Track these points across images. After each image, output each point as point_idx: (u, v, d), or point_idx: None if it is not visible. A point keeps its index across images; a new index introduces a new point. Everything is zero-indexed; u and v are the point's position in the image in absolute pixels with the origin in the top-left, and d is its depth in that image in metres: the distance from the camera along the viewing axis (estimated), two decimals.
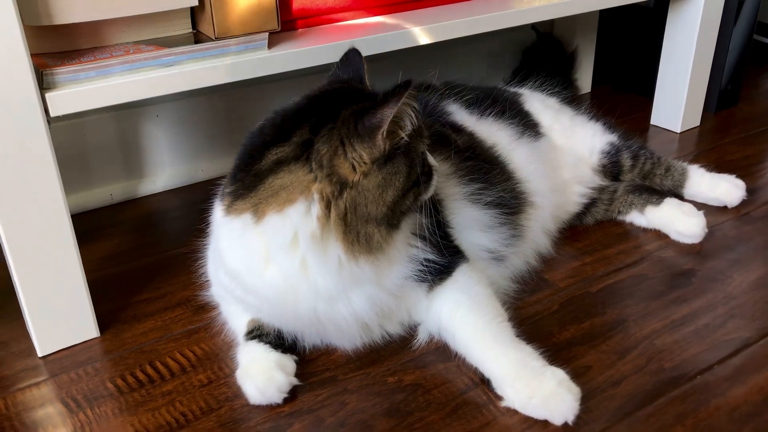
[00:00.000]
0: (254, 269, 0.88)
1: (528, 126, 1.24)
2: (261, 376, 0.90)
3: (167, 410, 0.90)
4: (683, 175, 1.35)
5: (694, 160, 1.41)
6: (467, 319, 0.94)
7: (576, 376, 0.91)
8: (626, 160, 1.32)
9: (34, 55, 0.94)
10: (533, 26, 1.99)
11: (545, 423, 0.85)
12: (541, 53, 1.86)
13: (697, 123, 1.73)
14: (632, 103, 1.87)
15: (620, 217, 1.30)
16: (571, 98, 1.73)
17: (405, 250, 0.93)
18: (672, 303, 1.08)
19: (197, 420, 0.88)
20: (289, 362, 0.93)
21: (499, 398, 0.89)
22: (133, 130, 1.43)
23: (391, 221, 0.88)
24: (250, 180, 0.87)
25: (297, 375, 0.93)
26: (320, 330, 0.94)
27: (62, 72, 0.89)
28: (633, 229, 1.28)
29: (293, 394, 0.91)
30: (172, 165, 1.48)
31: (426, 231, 0.94)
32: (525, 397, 0.86)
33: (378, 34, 1.14)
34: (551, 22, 1.94)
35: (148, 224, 1.38)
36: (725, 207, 1.33)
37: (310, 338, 0.97)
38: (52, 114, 0.89)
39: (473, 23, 1.22)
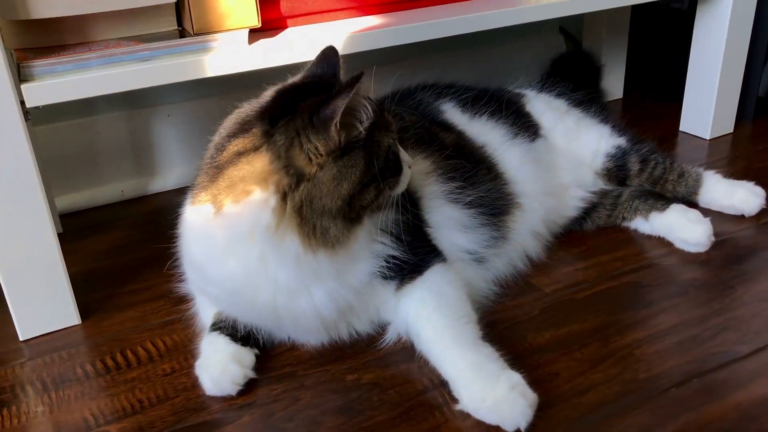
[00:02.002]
0: (214, 260, 0.89)
1: (524, 127, 1.21)
2: (217, 367, 0.90)
3: (126, 396, 0.91)
4: (697, 181, 1.27)
5: (719, 167, 1.33)
6: (431, 319, 0.92)
7: (541, 382, 0.87)
8: (634, 164, 1.26)
9: (19, 50, 0.98)
10: (561, 28, 1.94)
11: (498, 429, 0.82)
12: (569, 66, 1.81)
13: (730, 130, 1.63)
14: (663, 109, 1.79)
15: (624, 224, 1.24)
16: (599, 107, 1.68)
17: (369, 246, 0.92)
18: (662, 312, 1.01)
19: (152, 407, 0.89)
20: (247, 355, 0.92)
21: (456, 401, 0.85)
22: (144, 129, 1.48)
23: (349, 215, 0.86)
24: (212, 171, 0.88)
25: (257, 369, 0.93)
26: (279, 324, 0.93)
27: (39, 65, 0.93)
28: (636, 237, 1.22)
29: (250, 387, 0.91)
30: (183, 164, 1.51)
31: (396, 228, 0.92)
32: (477, 400, 0.83)
33: (364, 32, 1.13)
34: (581, 23, 1.89)
35: (154, 220, 1.41)
36: (742, 216, 1.25)
37: (273, 332, 0.97)
38: (28, 105, 0.93)
39: (465, 22, 1.20)
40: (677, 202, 1.21)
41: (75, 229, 1.38)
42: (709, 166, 1.45)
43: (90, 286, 1.17)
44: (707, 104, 1.58)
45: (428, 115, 1.16)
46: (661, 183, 1.27)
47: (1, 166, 0.93)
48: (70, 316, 1.05)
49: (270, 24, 1.14)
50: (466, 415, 0.84)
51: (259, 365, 0.94)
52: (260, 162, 0.84)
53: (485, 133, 1.16)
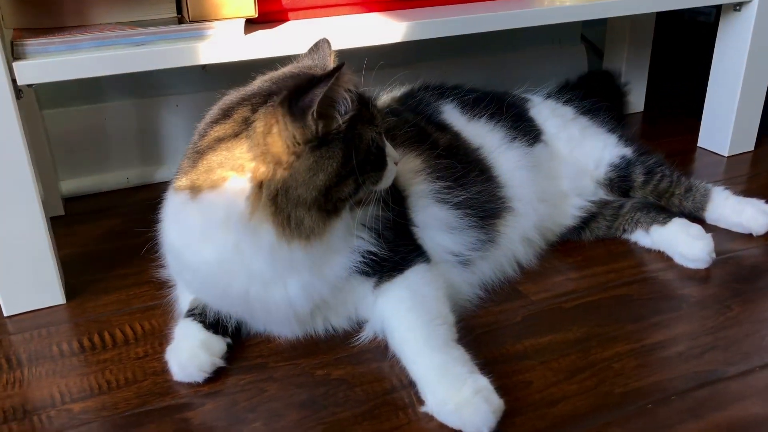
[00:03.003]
0: (191, 246, 0.88)
1: (524, 131, 1.18)
2: (185, 353, 0.89)
3: (95, 377, 0.91)
4: (705, 196, 1.23)
5: (734, 184, 1.29)
6: (405, 318, 0.90)
7: (512, 389, 0.85)
8: (638, 176, 1.23)
9: (18, 29, 1.00)
10: (583, 36, 1.91)
11: None
12: (592, 85, 1.76)
13: (750, 148, 1.58)
14: (683, 124, 1.74)
15: (624, 236, 1.20)
16: (620, 123, 1.64)
17: (348, 240, 0.91)
18: (650, 327, 0.98)
19: (119, 389, 0.89)
20: (218, 344, 0.92)
21: (422, 403, 0.83)
22: (152, 118, 1.49)
23: (325, 207, 0.85)
24: (193, 156, 0.88)
25: (229, 358, 0.92)
26: (252, 314, 0.92)
27: (32, 44, 0.94)
28: (636, 250, 1.18)
29: (219, 375, 0.90)
30: None
31: (378, 224, 0.91)
32: (441, 402, 0.80)
33: (363, 28, 1.13)
34: (603, 34, 1.85)
35: (155, 208, 1.41)
36: (750, 235, 1.20)
37: (247, 323, 0.96)
38: (19, 83, 0.94)
39: (471, 22, 1.18)
40: (681, 217, 1.17)
41: (77, 213, 1.40)
42: (725, 183, 1.41)
43: (81, 267, 1.18)
44: (726, 120, 1.53)
45: (426, 114, 1.15)
46: (667, 197, 1.23)
47: None
48: (56, 296, 1.06)
49: (270, 16, 1.14)
50: (430, 418, 0.82)
51: (232, 355, 0.94)
52: (238, 148, 0.84)
53: (482, 135, 1.14)
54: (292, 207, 0.83)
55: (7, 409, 0.86)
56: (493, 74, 1.78)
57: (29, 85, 0.97)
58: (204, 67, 1.48)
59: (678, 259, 1.13)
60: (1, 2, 0.98)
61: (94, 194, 1.47)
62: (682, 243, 1.12)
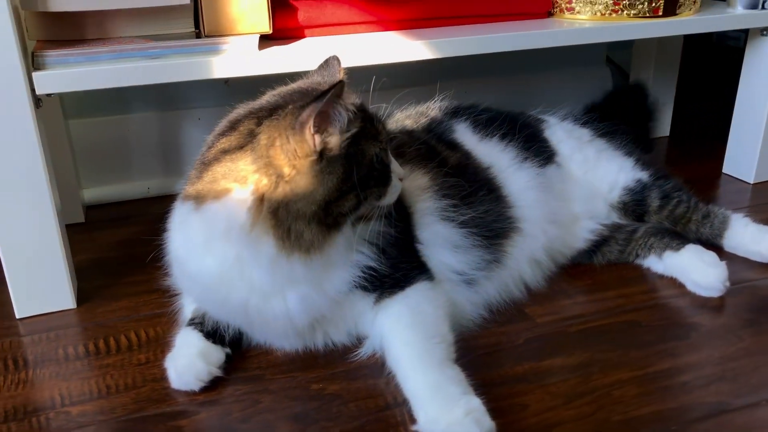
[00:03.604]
0: (193, 255, 0.90)
1: (536, 152, 1.17)
2: (183, 361, 0.90)
3: (96, 381, 0.93)
4: (724, 223, 1.20)
5: (760, 213, 1.26)
6: (402, 335, 0.90)
7: (506, 412, 0.84)
8: (653, 200, 1.21)
9: (40, 41, 1.03)
10: (609, 58, 1.89)
11: None
12: (619, 101, 1.74)
13: None
14: (709, 149, 1.71)
15: (637, 261, 1.18)
16: (646, 147, 1.62)
17: (348, 255, 0.91)
18: (656, 355, 0.95)
19: (118, 394, 0.90)
20: (216, 353, 0.93)
21: (414, 421, 0.82)
22: (175, 130, 1.52)
23: (325, 221, 0.86)
24: (200, 167, 0.90)
25: (228, 369, 0.93)
26: (251, 325, 0.93)
27: (52, 55, 0.97)
28: (648, 275, 1.16)
29: (216, 385, 0.91)
30: None
31: (380, 240, 0.91)
32: (431, 421, 0.79)
33: (379, 46, 1.14)
34: (629, 56, 1.83)
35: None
36: None
37: (248, 334, 0.97)
38: (38, 92, 0.98)
39: (482, 42, 1.19)
40: (697, 243, 1.14)
41: (97, 220, 1.43)
42: (749, 211, 1.38)
43: (95, 273, 1.20)
44: (752, 146, 1.50)
45: (437, 132, 1.15)
46: (684, 222, 1.21)
47: (9, 151, 0.98)
48: (66, 300, 1.09)
49: (286, 32, 1.16)
50: None
51: (231, 365, 0.94)
52: (242, 160, 0.85)
53: (493, 154, 1.14)
54: (293, 220, 0.84)
55: (9, 410, 0.88)
56: (517, 96, 1.77)
57: (48, 95, 1.00)
58: (226, 81, 1.52)
59: (691, 287, 1.11)
60: (26, 15, 1.02)
61: (115, 203, 1.51)
62: (695, 270, 1.10)
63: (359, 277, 0.91)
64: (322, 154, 0.84)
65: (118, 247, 1.32)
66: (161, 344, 1.00)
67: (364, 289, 0.92)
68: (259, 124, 0.86)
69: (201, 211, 0.87)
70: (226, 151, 0.87)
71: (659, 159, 1.70)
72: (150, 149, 1.52)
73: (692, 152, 1.73)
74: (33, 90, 0.97)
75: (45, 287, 1.07)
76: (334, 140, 0.84)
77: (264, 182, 0.84)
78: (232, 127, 0.89)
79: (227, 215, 0.85)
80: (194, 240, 0.89)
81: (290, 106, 0.85)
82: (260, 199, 0.84)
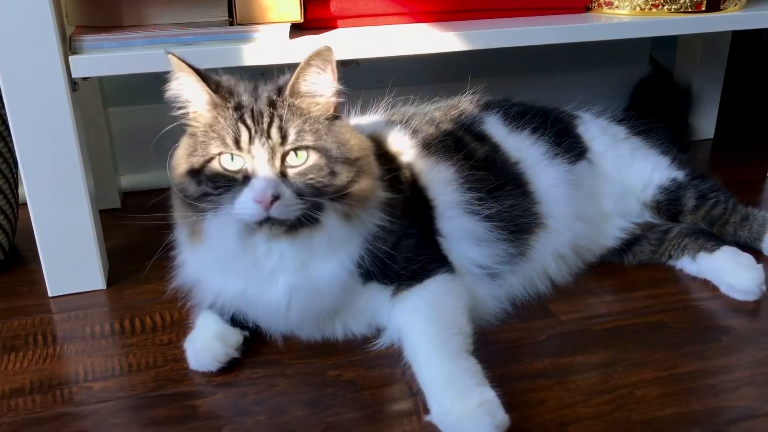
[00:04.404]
0: None
1: (568, 148, 1.15)
2: (201, 342, 0.92)
3: (119, 359, 0.95)
4: (763, 226, 1.16)
5: None
6: (419, 326, 0.89)
7: (523, 407, 0.83)
8: (688, 200, 1.17)
9: (79, 26, 1.06)
10: (652, 57, 1.85)
11: None
12: (653, 92, 1.71)
13: None
14: (755, 152, 1.66)
15: (670, 262, 1.15)
16: (685, 145, 1.58)
17: (337, 249, 0.88)
18: (682, 357, 0.93)
19: (138, 372, 0.92)
20: (234, 336, 0.93)
21: (428, 411, 0.82)
22: None
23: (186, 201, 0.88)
24: None
25: (247, 352, 0.94)
26: (250, 310, 0.93)
27: (88, 40, 1.00)
28: (681, 277, 1.13)
29: (233, 367, 0.92)
30: None
31: (379, 242, 0.90)
32: (444, 412, 0.79)
33: (411, 37, 1.13)
34: (673, 55, 1.79)
35: None
36: None
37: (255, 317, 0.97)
38: (74, 75, 1.00)
39: (515, 34, 1.17)
40: (731, 245, 1.11)
41: (133, 207, 1.46)
42: None
43: (126, 257, 1.23)
44: None
45: (466, 124, 1.14)
46: (720, 224, 1.17)
47: (44, 133, 1.01)
48: (96, 281, 1.12)
49: (319, 23, 1.16)
50: (433, 428, 0.80)
51: (251, 349, 0.95)
52: None
53: (523, 149, 1.12)
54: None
55: (35, 382, 0.90)
56: (556, 93, 1.73)
57: (84, 78, 1.03)
58: (262, 72, 1.53)
59: (725, 290, 1.07)
60: (66, 1, 1.05)
61: (151, 190, 1.54)
62: (729, 272, 1.06)
63: (362, 272, 0.90)
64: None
65: (150, 233, 1.33)
66: (184, 326, 1.02)
67: (380, 281, 0.92)
68: None
69: None
70: None
71: (702, 162, 1.65)
72: None
73: (737, 155, 1.68)
74: (69, 73, 1.00)
75: (77, 268, 1.10)
76: (195, 118, 0.89)
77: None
78: None
79: None
80: None
81: None
82: None
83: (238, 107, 0.84)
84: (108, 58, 1.01)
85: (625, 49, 1.81)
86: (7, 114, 0.99)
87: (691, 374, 0.89)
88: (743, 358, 0.92)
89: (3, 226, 1.20)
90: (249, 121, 0.83)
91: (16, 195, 1.23)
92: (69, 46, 1.01)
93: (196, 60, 1.04)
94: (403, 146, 1.03)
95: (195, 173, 0.85)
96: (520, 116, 1.17)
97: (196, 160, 0.85)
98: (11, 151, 1.17)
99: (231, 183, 0.83)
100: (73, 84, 1.02)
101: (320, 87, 0.86)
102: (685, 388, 0.86)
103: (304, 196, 0.83)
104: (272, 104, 0.84)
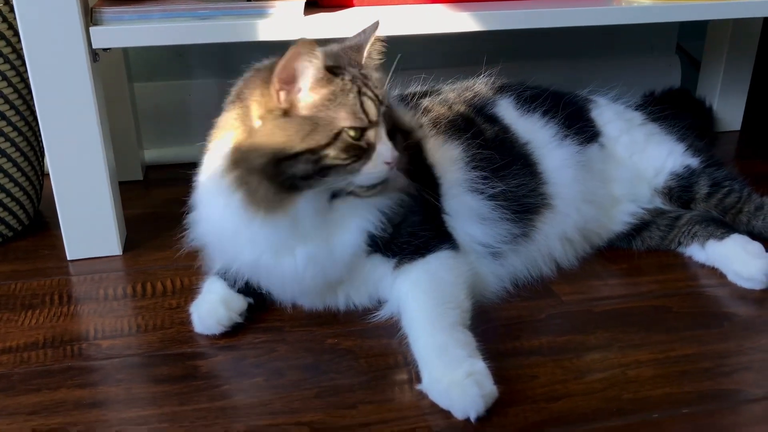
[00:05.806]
0: (202, 202, 0.95)
1: (579, 131, 1.15)
2: (205, 306, 0.95)
3: (128, 320, 0.98)
4: None
5: None
6: (417, 298, 0.90)
7: (515, 380, 0.84)
8: (701, 188, 1.16)
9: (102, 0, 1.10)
10: (679, 46, 1.82)
11: (448, 414, 0.79)
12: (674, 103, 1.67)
13: None
14: None
15: (679, 249, 1.14)
16: (709, 141, 1.55)
17: (355, 220, 0.91)
18: (681, 340, 0.92)
19: (146, 332, 0.96)
20: (238, 301, 0.96)
21: (420, 380, 0.83)
22: None
23: (279, 180, 0.84)
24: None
25: (250, 319, 0.97)
26: (264, 281, 0.95)
27: (108, 11, 1.03)
28: (689, 264, 1.12)
29: (237, 332, 0.95)
30: None
31: (392, 210, 0.92)
32: (434, 380, 0.80)
33: (427, 17, 1.14)
34: (701, 45, 1.76)
35: None
36: None
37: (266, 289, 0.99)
38: (94, 46, 1.04)
39: (532, 16, 1.17)
40: (742, 234, 1.09)
41: (154, 180, 1.51)
42: None
43: (144, 225, 1.27)
44: None
45: (478, 106, 1.14)
46: (734, 213, 1.16)
47: (65, 103, 1.05)
48: (113, 247, 1.16)
49: (337, 1, 1.18)
50: (423, 396, 0.82)
51: (255, 316, 0.98)
52: (234, 110, 0.89)
53: (533, 130, 1.12)
54: (247, 173, 0.85)
55: (48, 337, 0.95)
56: (580, 80, 1.72)
57: (105, 50, 1.07)
58: None
59: (732, 277, 1.06)
60: None
61: (173, 165, 1.58)
62: (737, 260, 1.05)
63: (369, 242, 0.92)
64: (285, 111, 0.84)
65: (169, 204, 1.38)
66: (193, 292, 1.04)
67: (384, 254, 0.94)
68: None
69: (205, 156, 0.91)
70: (231, 102, 0.91)
71: (727, 154, 1.62)
72: (210, 114, 1.57)
73: (764, 148, 1.65)
74: (90, 44, 1.03)
75: (94, 234, 1.14)
76: (298, 99, 0.85)
77: (239, 132, 0.87)
78: (245, 79, 0.92)
79: (213, 161, 0.89)
80: (201, 186, 0.93)
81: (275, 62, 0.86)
82: (235, 149, 0.86)
83: (354, 80, 0.86)
84: (127, 30, 1.04)
85: (651, 36, 1.79)
86: (31, 83, 1.03)
87: (688, 357, 0.89)
88: (743, 344, 0.92)
89: (29, 193, 1.25)
90: (370, 93, 0.86)
91: (41, 163, 1.28)
92: (90, 18, 1.04)
93: (210, 34, 1.07)
94: (415, 124, 1.04)
95: (313, 152, 0.83)
96: (532, 99, 1.17)
97: (321, 138, 0.83)
98: (37, 121, 1.21)
99: (360, 152, 0.85)
100: (94, 55, 1.05)
101: (376, 60, 0.92)
102: (679, 371, 0.86)
103: None
104: (364, 76, 0.88)
